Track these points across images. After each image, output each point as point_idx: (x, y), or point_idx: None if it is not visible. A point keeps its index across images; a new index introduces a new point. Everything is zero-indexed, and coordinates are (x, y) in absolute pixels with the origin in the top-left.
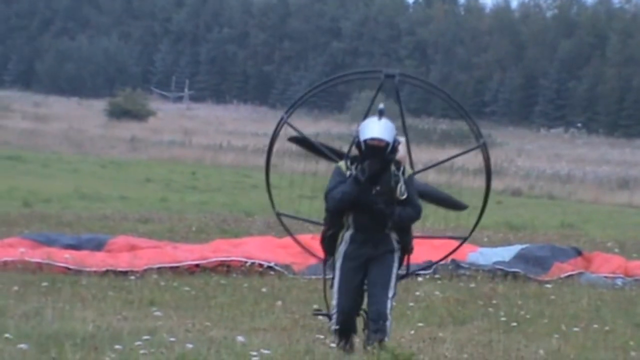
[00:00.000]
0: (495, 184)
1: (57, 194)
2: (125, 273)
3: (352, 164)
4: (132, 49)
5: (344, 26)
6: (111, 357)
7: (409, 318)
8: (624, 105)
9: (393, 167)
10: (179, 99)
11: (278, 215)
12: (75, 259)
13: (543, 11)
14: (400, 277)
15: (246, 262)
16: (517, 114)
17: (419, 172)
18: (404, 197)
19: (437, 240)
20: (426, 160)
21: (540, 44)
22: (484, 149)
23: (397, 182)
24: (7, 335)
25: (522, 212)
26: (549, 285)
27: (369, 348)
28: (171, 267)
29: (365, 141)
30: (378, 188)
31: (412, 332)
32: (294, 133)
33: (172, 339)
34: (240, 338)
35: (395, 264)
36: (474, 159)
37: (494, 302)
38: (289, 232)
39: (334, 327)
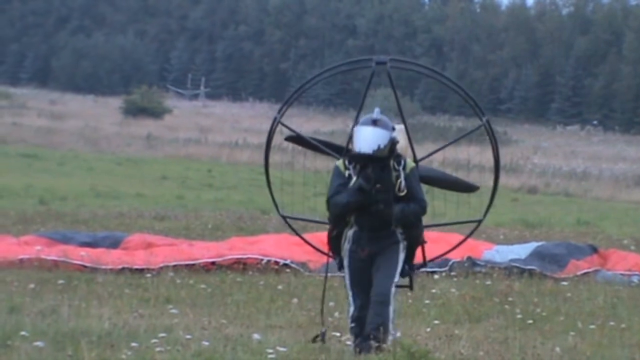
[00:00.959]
0: (511, 182)
1: (73, 192)
2: (141, 271)
3: (350, 163)
4: (148, 47)
5: (360, 24)
6: (127, 354)
7: (424, 315)
8: None
9: (393, 162)
10: (195, 96)
11: (283, 217)
12: (91, 256)
13: (559, 8)
14: (417, 267)
15: (262, 260)
16: (533, 111)
17: (422, 159)
18: (404, 193)
19: (453, 236)
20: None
21: (556, 42)
22: (488, 126)
23: (397, 178)
24: (23, 332)
25: (538, 209)
26: (565, 283)
27: (368, 331)
28: (187, 265)
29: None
30: (378, 186)
31: (428, 329)
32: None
33: (188, 337)
34: (256, 335)
35: (401, 253)
36: (490, 155)
37: (510, 299)
38: (296, 233)
39: (350, 324)
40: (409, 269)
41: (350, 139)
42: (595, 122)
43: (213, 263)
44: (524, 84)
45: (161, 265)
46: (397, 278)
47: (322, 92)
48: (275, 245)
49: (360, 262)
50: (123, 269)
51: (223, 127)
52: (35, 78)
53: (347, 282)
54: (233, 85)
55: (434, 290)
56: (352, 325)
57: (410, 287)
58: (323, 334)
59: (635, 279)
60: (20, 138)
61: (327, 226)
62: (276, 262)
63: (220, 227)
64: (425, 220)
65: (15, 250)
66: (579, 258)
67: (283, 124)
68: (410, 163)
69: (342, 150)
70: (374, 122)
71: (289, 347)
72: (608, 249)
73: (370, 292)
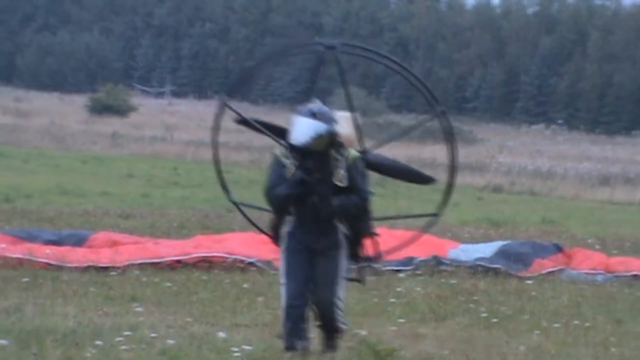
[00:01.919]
0: (477, 180)
1: (38, 190)
2: (106, 269)
3: (291, 152)
4: (113, 45)
5: (326, 22)
6: (92, 352)
7: (390, 314)
8: (605, 102)
9: (334, 151)
10: (161, 94)
11: (234, 203)
12: (56, 254)
13: (524, 8)
14: (371, 262)
15: (228, 258)
16: (498, 110)
17: (369, 149)
18: (343, 184)
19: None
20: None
21: (522, 40)
22: (443, 117)
23: (337, 167)
24: None
25: (503, 208)
26: (530, 282)
27: (325, 334)
28: (152, 263)
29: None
30: (318, 175)
31: (394, 328)
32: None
33: (153, 335)
34: (221, 334)
35: (343, 258)
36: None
37: (475, 298)
38: (247, 217)
39: (284, 315)
40: (358, 262)
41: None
42: (560, 121)
43: (179, 261)
44: (489, 83)
45: (126, 263)
46: (341, 284)
47: (288, 90)
48: (241, 244)
49: (299, 249)
50: (88, 267)
51: (189, 125)
52: (0, 75)
53: (283, 267)
54: (199, 83)
55: (399, 289)
56: (286, 315)
57: (361, 281)
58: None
59: (599, 278)
60: None
61: None
62: (242, 261)
63: (186, 225)
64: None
65: None
66: (543, 257)
67: (229, 106)
68: (353, 153)
69: (286, 133)
70: (313, 114)
71: (255, 346)
72: (573, 248)
73: (313, 299)
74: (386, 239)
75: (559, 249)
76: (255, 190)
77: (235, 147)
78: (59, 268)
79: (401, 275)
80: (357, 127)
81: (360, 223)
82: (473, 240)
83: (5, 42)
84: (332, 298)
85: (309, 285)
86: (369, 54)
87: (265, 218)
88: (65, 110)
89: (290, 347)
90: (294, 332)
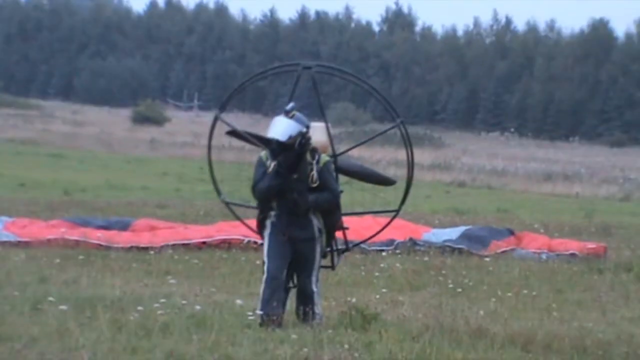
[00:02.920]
0: (445, 177)
1: (91, 185)
2: (146, 249)
3: (270, 151)
4: (151, 68)
5: (323, 49)
6: (135, 316)
7: (374, 285)
8: (548, 114)
9: (309, 156)
10: (190, 108)
11: (225, 202)
12: (105, 237)
13: (483, 38)
14: (343, 251)
15: (244, 240)
16: (462, 120)
17: (340, 154)
18: (316, 184)
19: (397, 221)
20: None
21: (481, 65)
22: (402, 126)
23: (311, 170)
24: (50, 298)
25: (467, 200)
26: (487, 259)
27: (301, 316)
28: (183, 244)
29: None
30: (296, 176)
31: (377, 296)
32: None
33: (184, 302)
34: (239, 301)
35: (318, 251)
36: (427, 156)
37: (444, 272)
38: (236, 216)
39: (263, 290)
40: (330, 250)
41: None
42: (512, 129)
43: (204, 242)
44: (455, 99)
45: (162, 244)
46: (316, 272)
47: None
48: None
49: (280, 235)
50: (131, 247)
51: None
52: (61, 93)
53: (265, 248)
54: (221, 99)
55: (382, 265)
56: (266, 285)
57: (332, 267)
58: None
59: (544, 256)
60: (48, 141)
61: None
62: (255, 242)
63: (210, 214)
64: (345, 209)
65: (44, 232)
66: (499, 239)
67: (222, 120)
68: (325, 157)
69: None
70: (286, 113)
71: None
72: (522, 231)
73: (294, 284)
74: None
75: (511, 232)
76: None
77: (249, 150)
78: (108, 248)
79: (384, 254)
80: (329, 136)
81: (332, 217)
82: (442, 225)
83: (65, 66)
84: (311, 285)
85: (286, 264)
86: (340, 74)
87: (251, 214)
88: (113, 121)
89: (265, 315)
90: (271, 300)
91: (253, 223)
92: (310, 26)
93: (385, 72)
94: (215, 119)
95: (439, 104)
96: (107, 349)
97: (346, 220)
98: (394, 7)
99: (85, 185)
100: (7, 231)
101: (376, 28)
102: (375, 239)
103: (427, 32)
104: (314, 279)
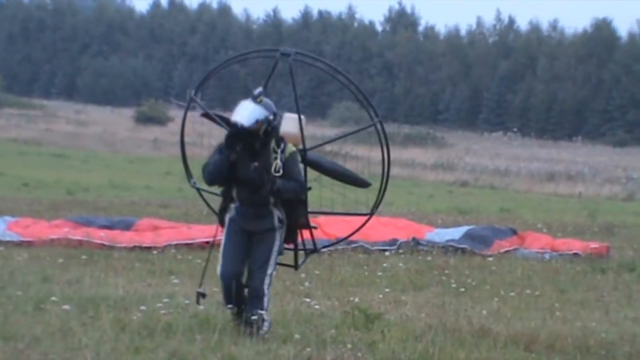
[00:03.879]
0: (447, 177)
1: (94, 184)
2: (149, 248)
3: (228, 133)
4: (154, 68)
5: (326, 49)
6: (138, 316)
7: (377, 285)
8: (551, 114)
9: (273, 144)
10: (193, 108)
11: (194, 187)
12: (108, 237)
13: (486, 37)
14: (310, 252)
15: None
16: (465, 120)
17: (311, 149)
18: (279, 173)
19: (400, 221)
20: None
21: (484, 64)
22: (380, 126)
23: (275, 159)
24: (54, 298)
25: (469, 199)
26: (490, 259)
27: (248, 318)
28: (186, 244)
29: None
30: (256, 164)
31: (380, 296)
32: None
33: (187, 302)
34: None
35: (277, 242)
36: (430, 155)
37: (447, 272)
38: (206, 202)
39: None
40: (295, 249)
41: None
42: (515, 129)
43: (207, 242)
44: (458, 99)
45: (165, 244)
46: (272, 269)
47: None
48: None
49: (238, 234)
50: (134, 247)
51: (215, 133)
52: (64, 92)
53: (220, 250)
54: (223, 99)
55: (385, 265)
56: (220, 286)
57: (295, 267)
58: (201, 294)
59: (546, 256)
60: (51, 141)
61: None
62: None
63: (213, 213)
64: (316, 207)
65: (47, 232)
66: (501, 239)
67: (195, 101)
68: (291, 148)
69: None
70: (254, 98)
71: (267, 310)
72: (525, 231)
73: (248, 283)
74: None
75: (514, 232)
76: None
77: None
78: (111, 248)
79: (387, 253)
80: (302, 129)
81: (295, 212)
82: (445, 225)
83: (68, 66)
84: (263, 284)
85: (242, 267)
86: (320, 65)
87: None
88: (116, 121)
89: (227, 304)
90: (228, 299)
91: None
92: (313, 26)
93: (388, 72)
94: (190, 101)
95: (441, 103)
96: (110, 348)
97: (349, 218)
98: (397, 6)
99: (88, 185)
100: (11, 231)
101: (379, 28)
102: (378, 239)
103: (430, 31)
104: (267, 279)
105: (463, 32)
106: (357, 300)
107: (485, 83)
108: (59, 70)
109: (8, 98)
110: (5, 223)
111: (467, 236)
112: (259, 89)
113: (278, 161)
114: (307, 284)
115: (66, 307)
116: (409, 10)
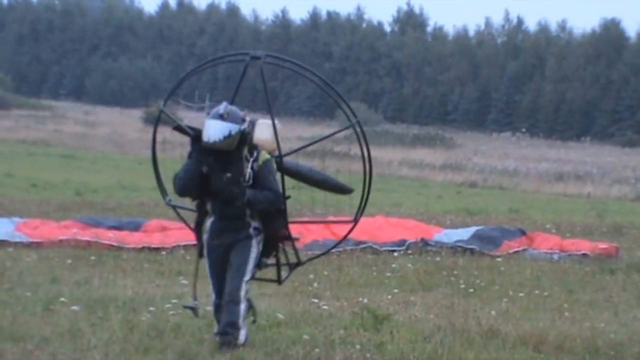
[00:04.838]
0: (456, 177)
1: (102, 185)
2: (158, 249)
3: (196, 147)
4: (163, 69)
5: (334, 50)
6: (147, 317)
7: (386, 286)
8: (560, 114)
9: (246, 152)
10: (201, 109)
11: (169, 204)
12: (117, 237)
13: (495, 38)
14: (295, 265)
15: None
16: (473, 121)
17: (287, 155)
18: (249, 183)
19: (409, 221)
20: (400, 159)
21: (492, 65)
22: (358, 127)
23: (246, 167)
24: (62, 299)
25: (478, 200)
26: (499, 259)
27: (221, 329)
28: (195, 245)
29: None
30: (229, 175)
31: (389, 297)
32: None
33: (196, 303)
34: None
35: (254, 249)
36: (439, 156)
37: (455, 272)
38: (182, 219)
39: (213, 312)
40: (277, 264)
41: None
42: (523, 129)
43: None
44: (466, 99)
45: (174, 244)
46: (248, 276)
47: (304, 105)
48: None
49: (218, 254)
50: (143, 248)
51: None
52: (72, 93)
53: (207, 271)
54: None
55: (393, 265)
56: (214, 312)
57: (279, 281)
58: (193, 309)
59: (555, 256)
60: (60, 142)
61: None
62: None
63: None
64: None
65: (56, 233)
66: (510, 239)
67: (166, 113)
68: (264, 155)
69: None
70: (221, 116)
71: (277, 310)
72: (534, 232)
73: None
74: (382, 224)
75: (522, 232)
76: None
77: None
78: (120, 248)
79: (395, 254)
80: (277, 135)
81: (273, 224)
82: (453, 226)
83: (77, 67)
84: (239, 286)
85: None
86: (292, 66)
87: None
88: (125, 122)
89: (220, 345)
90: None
91: None
92: (322, 26)
93: (397, 73)
94: (160, 113)
95: (450, 104)
96: (119, 349)
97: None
98: (405, 7)
99: (97, 185)
100: (20, 232)
101: (388, 28)
102: (386, 239)
103: (438, 32)
104: (243, 286)
105: (471, 32)
106: (365, 301)
107: (493, 83)
108: (68, 71)
109: (17, 99)
110: (14, 224)
111: (476, 237)
112: (224, 105)
113: (249, 169)
114: (315, 284)
115: (75, 307)
116: (417, 10)
